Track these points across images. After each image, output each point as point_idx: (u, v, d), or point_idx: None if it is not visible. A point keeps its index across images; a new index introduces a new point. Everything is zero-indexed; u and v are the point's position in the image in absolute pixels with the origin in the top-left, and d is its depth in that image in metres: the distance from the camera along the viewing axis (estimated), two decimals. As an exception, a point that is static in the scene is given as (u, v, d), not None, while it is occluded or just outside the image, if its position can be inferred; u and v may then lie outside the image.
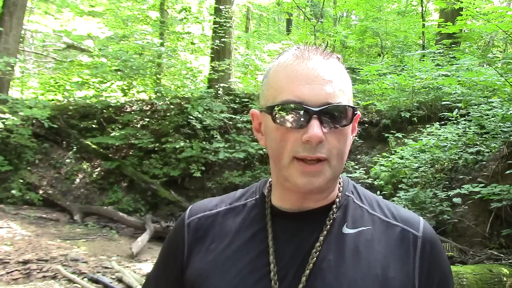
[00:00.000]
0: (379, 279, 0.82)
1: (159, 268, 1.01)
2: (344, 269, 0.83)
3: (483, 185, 4.92)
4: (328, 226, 0.87)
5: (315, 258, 0.84)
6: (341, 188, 0.93)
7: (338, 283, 0.82)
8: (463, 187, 4.95)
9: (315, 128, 0.78)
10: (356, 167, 7.05)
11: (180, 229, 0.97)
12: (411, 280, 0.84)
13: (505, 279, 3.54)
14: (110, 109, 9.55)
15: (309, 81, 0.81)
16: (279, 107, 0.82)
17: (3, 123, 7.66)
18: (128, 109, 9.68)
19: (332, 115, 0.81)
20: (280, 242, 0.87)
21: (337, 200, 0.90)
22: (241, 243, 0.90)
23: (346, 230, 0.87)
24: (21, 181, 8.21)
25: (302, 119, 0.80)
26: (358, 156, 8.06)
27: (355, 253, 0.84)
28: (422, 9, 12.52)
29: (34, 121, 8.74)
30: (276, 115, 0.82)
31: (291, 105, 0.80)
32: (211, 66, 9.84)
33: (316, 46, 0.87)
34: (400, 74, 7.92)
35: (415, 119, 7.75)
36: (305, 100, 0.80)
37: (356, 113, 0.85)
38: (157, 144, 8.64)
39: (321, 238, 0.85)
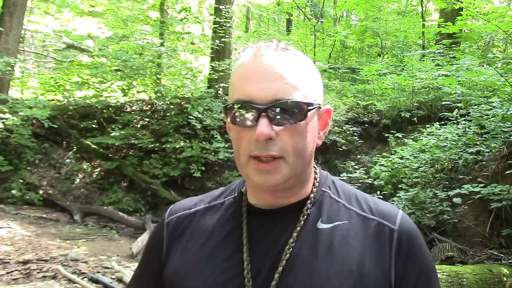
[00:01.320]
0: (354, 275, 0.80)
1: (141, 267, 1.02)
2: (317, 265, 0.81)
3: (483, 185, 4.91)
4: (302, 222, 0.86)
5: (288, 255, 0.83)
6: (317, 183, 0.91)
7: (311, 279, 0.80)
8: (463, 187, 4.95)
9: (262, 126, 0.77)
10: (356, 167, 7.06)
11: (160, 229, 0.97)
12: (387, 275, 0.81)
13: (505, 279, 3.54)
14: (110, 109, 9.55)
15: (259, 78, 0.80)
16: (231, 107, 0.82)
17: (3, 123, 7.66)
18: (128, 109, 9.68)
19: (283, 111, 0.79)
20: (255, 240, 0.87)
21: (312, 195, 0.89)
22: (217, 241, 0.89)
23: (321, 225, 0.86)
24: (21, 181, 8.20)
25: (252, 117, 0.80)
26: (358, 156, 8.07)
27: (329, 249, 0.83)
28: (422, 9, 12.52)
29: (34, 121, 8.73)
30: (230, 115, 0.83)
31: (241, 104, 0.80)
32: (211, 66, 9.84)
33: (270, 42, 0.85)
34: (400, 74, 7.92)
35: (415, 119, 7.76)
36: (253, 99, 0.79)
37: (311, 108, 0.83)
38: (157, 144, 8.64)
39: (295, 234, 0.84)
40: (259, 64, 0.82)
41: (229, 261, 0.86)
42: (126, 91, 9.94)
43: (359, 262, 0.81)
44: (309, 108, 0.82)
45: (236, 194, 0.96)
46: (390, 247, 0.83)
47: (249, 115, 0.80)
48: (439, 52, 7.62)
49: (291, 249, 0.83)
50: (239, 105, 0.81)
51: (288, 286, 0.81)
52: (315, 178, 0.92)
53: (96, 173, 8.85)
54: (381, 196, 5.74)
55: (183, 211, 0.98)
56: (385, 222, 0.86)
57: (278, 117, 0.79)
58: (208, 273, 0.86)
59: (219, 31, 9.48)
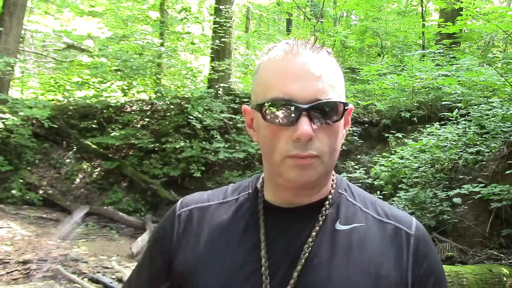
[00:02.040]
0: (372, 277, 0.81)
1: (144, 258, 1.00)
2: (336, 265, 0.82)
3: (483, 185, 4.91)
4: (321, 222, 0.86)
5: (307, 254, 0.83)
6: (334, 185, 0.92)
7: (329, 280, 0.81)
8: (463, 187, 4.95)
9: (304, 125, 0.77)
10: (356, 167, 7.06)
11: (170, 221, 0.95)
12: (404, 279, 0.83)
13: (505, 279, 3.54)
14: (110, 109, 9.55)
15: (298, 77, 0.80)
16: (269, 104, 0.80)
17: (3, 123, 7.66)
18: (128, 109, 9.68)
19: (322, 111, 0.80)
20: (272, 237, 0.86)
21: (330, 196, 0.89)
22: (232, 237, 0.88)
23: (339, 226, 0.87)
24: (21, 181, 8.20)
25: (291, 116, 0.79)
26: (358, 156, 8.07)
27: (347, 250, 0.84)
28: (422, 9, 12.52)
29: (34, 121, 8.73)
30: (266, 112, 0.81)
31: (281, 102, 0.79)
32: (211, 66, 9.84)
33: (305, 41, 0.85)
34: (400, 74, 7.92)
35: (415, 119, 7.75)
36: (294, 97, 0.79)
37: (347, 108, 0.84)
38: (157, 144, 8.64)
39: (314, 233, 0.84)
40: (296, 62, 0.81)
41: (245, 258, 0.85)
42: (126, 91, 9.94)
43: (377, 264, 0.82)
44: (345, 108, 0.83)
45: (250, 191, 0.95)
46: (407, 251, 0.85)
47: (288, 113, 0.79)
48: (439, 52, 7.62)
49: (310, 248, 0.83)
50: (277, 102, 0.80)
51: (306, 285, 0.81)
52: (332, 180, 0.93)
53: (96, 173, 8.85)
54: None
55: (196, 204, 0.96)
56: (402, 226, 0.88)
57: (318, 116, 0.80)
58: (224, 269, 0.85)
59: (219, 31, 9.48)
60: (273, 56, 0.85)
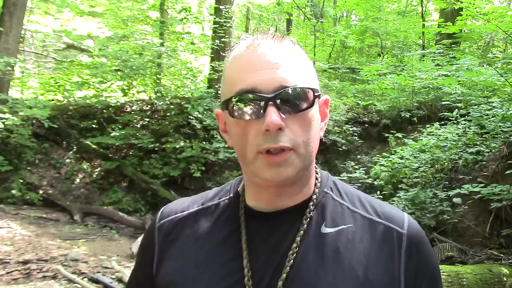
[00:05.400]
0: (361, 281, 0.77)
1: (134, 273, 0.98)
2: (323, 271, 0.77)
3: (483, 185, 4.91)
4: (305, 225, 0.81)
5: (292, 261, 0.78)
6: (319, 184, 0.87)
7: (316, 287, 0.76)
8: (463, 187, 4.95)
9: (272, 115, 0.73)
10: (356, 167, 7.06)
11: (151, 233, 0.92)
12: (396, 280, 0.78)
13: (505, 279, 3.54)
14: (110, 109, 9.55)
15: (260, 67, 0.76)
16: (234, 99, 0.77)
17: (3, 123, 7.66)
18: (128, 109, 9.68)
19: (290, 99, 0.76)
20: (254, 244, 0.82)
21: (314, 197, 0.84)
22: (214, 246, 0.84)
23: (325, 229, 0.81)
24: (21, 181, 8.20)
25: (257, 108, 0.75)
26: (358, 156, 8.07)
27: (335, 254, 0.79)
28: (422, 9, 12.52)
29: (34, 121, 8.73)
30: (233, 108, 0.77)
31: (248, 95, 0.75)
32: (211, 66, 9.85)
33: (265, 32, 0.82)
34: (400, 74, 7.92)
35: (415, 119, 7.76)
36: (257, 87, 0.75)
37: (318, 94, 0.80)
38: (157, 144, 8.64)
39: (298, 238, 0.80)
40: (258, 53, 0.78)
41: (227, 267, 0.81)
42: (126, 91, 9.94)
43: (366, 268, 0.78)
44: (316, 94, 0.79)
45: (231, 195, 0.90)
46: (399, 251, 0.80)
47: (255, 106, 0.75)
48: (439, 52, 7.61)
49: (295, 254, 0.79)
50: (242, 96, 0.76)
51: None
52: (316, 178, 0.87)
53: (96, 173, 8.85)
54: (381, 196, 5.75)
55: (175, 214, 0.93)
56: (393, 225, 0.83)
57: (286, 105, 0.75)
58: (205, 280, 0.81)
59: (219, 31, 9.48)
60: (236, 53, 0.82)
